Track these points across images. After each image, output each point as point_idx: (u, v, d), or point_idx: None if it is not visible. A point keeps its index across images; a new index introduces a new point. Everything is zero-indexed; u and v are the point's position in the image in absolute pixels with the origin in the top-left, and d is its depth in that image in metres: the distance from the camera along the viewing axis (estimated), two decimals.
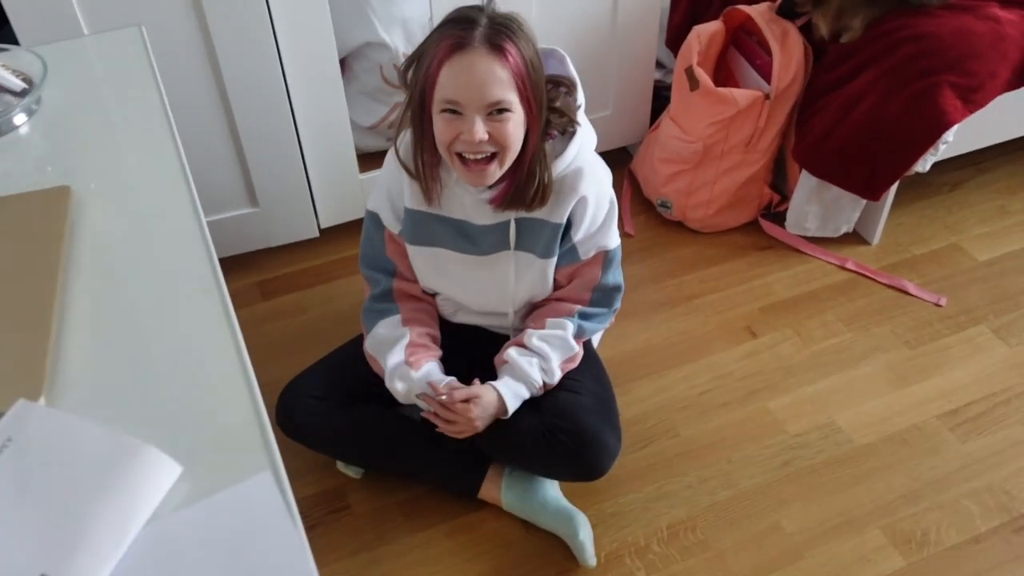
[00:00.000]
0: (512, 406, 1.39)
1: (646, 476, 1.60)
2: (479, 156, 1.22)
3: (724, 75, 2.07)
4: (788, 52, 1.89)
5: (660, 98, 2.20)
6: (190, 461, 0.70)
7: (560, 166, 1.30)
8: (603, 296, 1.43)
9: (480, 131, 1.17)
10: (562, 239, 1.36)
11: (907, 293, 1.93)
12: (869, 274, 1.97)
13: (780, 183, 2.09)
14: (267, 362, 1.78)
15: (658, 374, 1.78)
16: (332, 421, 1.49)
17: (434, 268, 1.43)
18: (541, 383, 1.40)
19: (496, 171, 1.24)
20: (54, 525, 0.64)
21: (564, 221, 1.34)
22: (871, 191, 1.89)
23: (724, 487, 1.58)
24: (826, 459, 1.62)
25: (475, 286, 1.44)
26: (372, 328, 1.45)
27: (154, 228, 0.93)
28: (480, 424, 1.38)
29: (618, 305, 1.47)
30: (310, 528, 1.54)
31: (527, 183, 1.27)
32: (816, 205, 1.98)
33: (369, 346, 1.46)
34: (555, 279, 1.42)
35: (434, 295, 1.51)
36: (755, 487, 1.58)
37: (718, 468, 1.61)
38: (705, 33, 1.98)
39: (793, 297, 1.93)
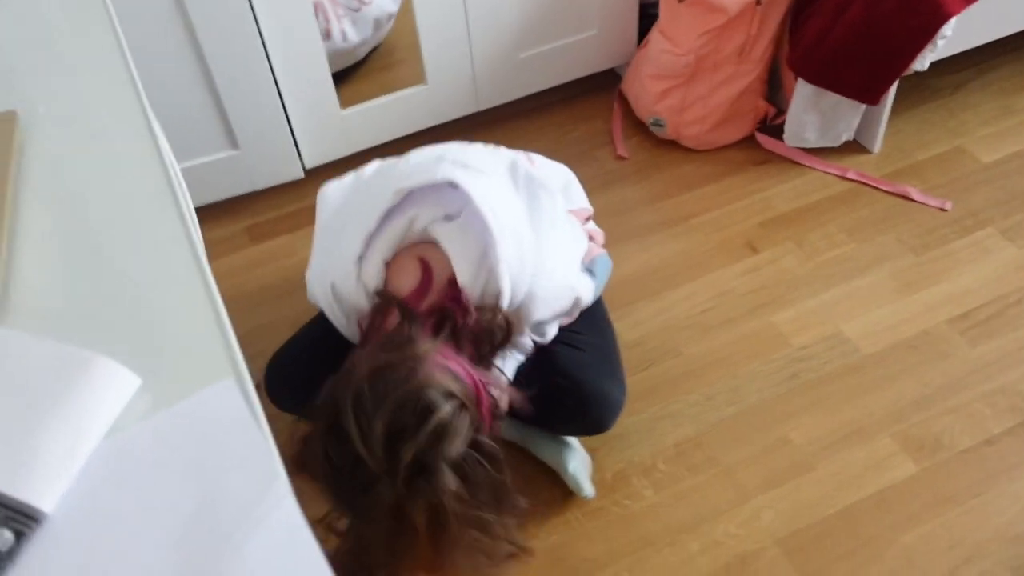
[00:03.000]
0: None
1: (650, 397, 1.57)
2: None
3: None
4: None
5: (647, 16, 2.12)
6: (150, 373, 0.67)
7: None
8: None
9: None
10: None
11: (911, 200, 1.87)
12: (871, 183, 1.91)
13: (776, 96, 2.03)
14: (261, 305, 1.76)
15: (658, 295, 1.73)
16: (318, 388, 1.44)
17: None
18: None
19: None
20: (5, 442, 0.61)
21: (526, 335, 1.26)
22: (869, 95, 1.82)
23: (730, 403, 1.55)
24: (833, 370, 1.58)
25: None
26: None
27: (107, 147, 0.89)
28: None
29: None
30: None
31: None
32: (814, 114, 1.91)
33: None
34: None
35: None
36: (762, 402, 1.54)
37: (723, 385, 1.57)
38: None
39: (794, 210, 1.88)
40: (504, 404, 1.11)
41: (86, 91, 0.97)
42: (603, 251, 1.46)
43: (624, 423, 1.52)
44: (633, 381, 1.58)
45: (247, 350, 1.64)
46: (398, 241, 1.17)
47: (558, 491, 1.44)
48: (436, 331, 1.08)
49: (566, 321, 1.38)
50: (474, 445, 1.00)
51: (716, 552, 1.36)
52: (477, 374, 1.05)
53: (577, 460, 1.43)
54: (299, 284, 1.75)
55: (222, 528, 0.58)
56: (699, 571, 1.34)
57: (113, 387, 0.64)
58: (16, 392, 0.63)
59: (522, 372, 1.33)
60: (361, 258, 1.16)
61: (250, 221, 1.96)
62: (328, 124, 1.91)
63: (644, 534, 1.39)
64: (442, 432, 0.96)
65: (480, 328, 1.11)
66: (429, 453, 0.95)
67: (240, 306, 1.75)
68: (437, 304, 1.13)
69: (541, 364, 1.34)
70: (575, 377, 1.33)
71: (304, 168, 1.96)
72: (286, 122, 1.86)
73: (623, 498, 1.43)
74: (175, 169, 1.30)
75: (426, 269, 1.15)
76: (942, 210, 1.84)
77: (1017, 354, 1.58)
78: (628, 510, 1.42)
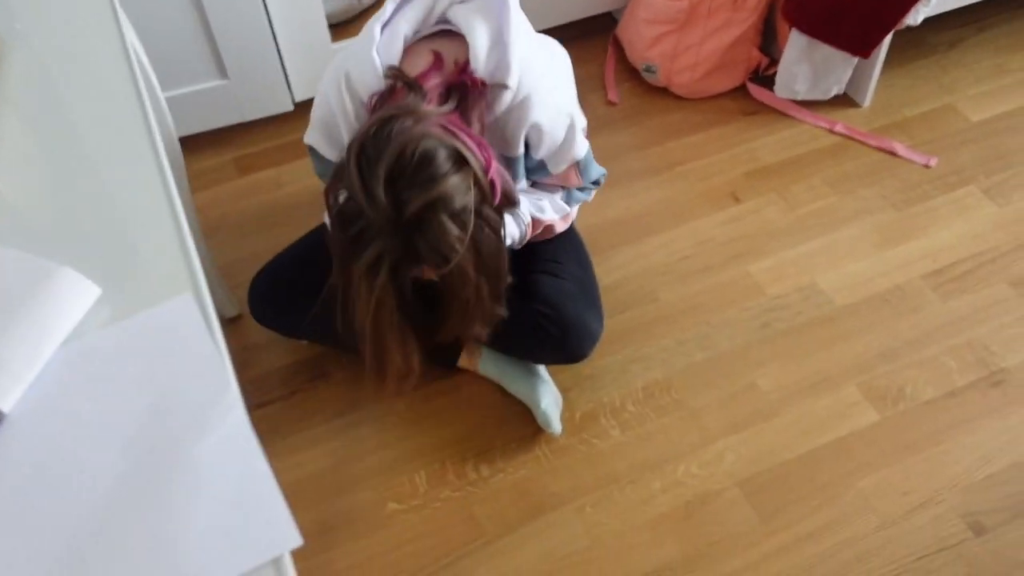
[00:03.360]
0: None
1: (623, 340, 1.59)
2: None
3: None
4: None
5: None
6: (111, 285, 0.69)
7: (502, 106, 1.18)
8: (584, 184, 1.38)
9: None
10: (526, 158, 1.28)
11: (896, 155, 1.87)
12: (858, 137, 1.91)
13: (769, 46, 2.02)
14: (246, 236, 1.77)
15: (638, 241, 1.75)
16: (305, 309, 1.47)
17: None
18: (528, 216, 1.33)
19: None
20: None
21: (521, 151, 1.25)
22: (862, 47, 1.81)
23: (701, 349, 1.57)
24: (806, 320, 1.61)
25: None
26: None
27: (83, 68, 0.89)
28: None
29: (602, 182, 1.43)
30: (289, 396, 1.56)
31: None
32: (806, 65, 1.91)
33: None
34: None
35: None
36: (733, 349, 1.57)
37: (696, 331, 1.60)
38: None
39: (779, 162, 1.88)
40: (512, 192, 1.11)
41: (65, 11, 0.97)
42: None
43: (596, 364, 1.56)
44: (608, 324, 1.60)
45: (230, 280, 1.68)
46: (418, 22, 1.18)
47: (528, 429, 1.48)
48: (443, 101, 1.10)
49: (561, 225, 1.37)
50: (479, 213, 1.01)
51: (677, 491, 1.40)
52: (484, 146, 1.05)
53: (549, 397, 1.46)
54: (285, 216, 1.78)
55: (173, 433, 0.61)
56: (660, 508, 1.38)
57: (74, 296, 0.66)
58: None
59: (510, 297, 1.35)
60: (379, 41, 1.17)
61: (238, 152, 1.97)
62: (319, 57, 1.90)
63: (608, 472, 1.43)
64: (443, 182, 0.96)
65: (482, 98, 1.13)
66: (431, 204, 0.96)
67: (225, 236, 1.77)
68: (446, 80, 1.14)
69: (523, 292, 1.38)
70: (557, 306, 1.37)
71: (293, 101, 1.96)
72: (276, 53, 1.86)
73: (591, 436, 1.47)
74: (157, 92, 1.31)
75: (437, 56, 1.16)
76: (926, 167, 1.85)
77: (987, 310, 1.60)
78: (594, 448, 1.46)
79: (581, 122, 1.32)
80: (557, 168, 1.31)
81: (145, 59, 1.32)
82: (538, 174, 1.33)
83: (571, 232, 1.51)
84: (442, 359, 1.53)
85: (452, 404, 1.53)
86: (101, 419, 0.62)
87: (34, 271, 0.67)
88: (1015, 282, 1.64)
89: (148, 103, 0.82)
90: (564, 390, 1.52)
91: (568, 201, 1.40)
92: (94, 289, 0.67)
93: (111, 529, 0.57)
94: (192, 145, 1.91)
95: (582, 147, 1.32)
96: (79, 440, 0.61)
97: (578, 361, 1.43)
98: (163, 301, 0.68)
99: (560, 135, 1.27)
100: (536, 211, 1.34)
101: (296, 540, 0.60)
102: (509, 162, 1.26)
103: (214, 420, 0.62)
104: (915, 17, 1.75)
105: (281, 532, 0.58)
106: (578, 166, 1.33)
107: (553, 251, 1.45)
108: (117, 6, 0.98)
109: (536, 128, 1.22)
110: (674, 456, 1.44)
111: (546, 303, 1.38)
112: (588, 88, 2.05)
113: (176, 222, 0.73)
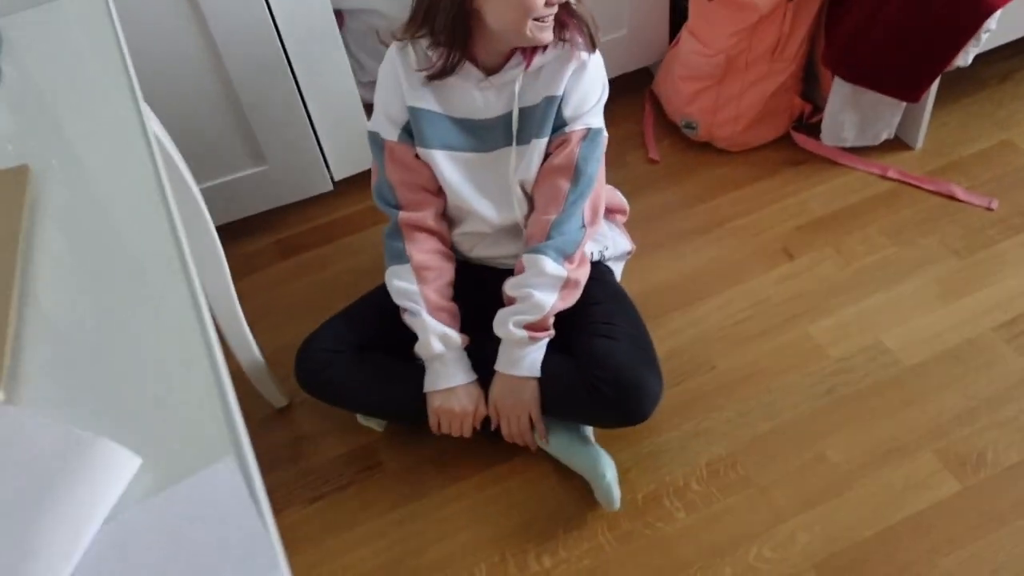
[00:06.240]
0: (526, 369, 1.36)
1: (683, 413, 1.54)
2: (554, 11, 1.24)
3: None
4: None
5: (680, 11, 2.06)
6: (151, 451, 0.66)
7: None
8: (575, 194, 1.35)
9: None
10: (556, 114, 1.34)
11: (955, 199, 1.80)
12: (913, 181, 1.84)
13: (812, 92, 1.96)
14: (290, 322, 1.75)
15: (691, 305, 1.70)
16: (348, 372, 1.46)
17: (439, 172, 1.39)
18: (524, 329, 1.34)
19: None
20: (7, 532, 0.61)
21: (561, 92, 1.32)
22: (911, 92, 1.75)
23: (765, 419, 1.51)
24: (873, 383, 1.53)
25: (478, 183, 1.41)
26: (388, 267, 1.44)
27: (118, 207, 0.89)
28: (521, 409, 1.39)
29: (599, 209, 1.41)
30: (343, 488, 1.53)
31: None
32: (852, 112, 1.85)
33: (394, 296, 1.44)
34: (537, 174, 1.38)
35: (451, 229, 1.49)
36: (798, 417, 1.51)
37: (758, 400, 1.54)
38: None
39: (832, 213, 1.82)
40: None
41: (99, 144, 0.97)
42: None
43: (656, 441, 1.50)
44: (666, 396, 1.55)
45: (280, 369, 1.67)
46: None
47: (589, 512, 1.43)
48: None
49: (573, 293, 1.37)
50: None
51: None
52: None
53: (612, 470, 1.41)
54: (332, 297, 1.76)
55: None
56: None
57: (114, 469, 0.64)
58: (20, 477, 0.64)
59: (562, 361, 1.38)
60: None
61: (280, 235, 1.97)
62: (356, 135, 1.89)
63: (676, 559, 1.37)
64: None
65: None
66: None
67: (272, 322, 1.76)
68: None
69: (579, 357, 1.37)
70: (614, 368, 1.34)
71: (333, 180, 1.96)
72: (313, 136, 1.86)
73: (655, 520, 1.41)
74: (193, 191, 1.31)
75: None
76: (988, 209, 1.77)
77: None
78: (660, 533, 1.40)
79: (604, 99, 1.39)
80: (573, 126, 1.34)
81: (179, 160, 1.32)
82: (555, 133, 1.36)
83: (620, 293, 1.48)
84: (488, 430, 1.49)
85: (507, 491, 1.48)
86: None
87: (72, 444, 0.65)
88: None
89: (187, 252, 0.80)
90: (624, 471, 1.46)
91: (561, 250, 1.35)
92: (134, 460, 0.64)
93: None
94: (233, 231, 1.91)
95: (600, 121, 1.38)
96: None
97: (639, 422, 1.38)
98: (205, 464, 0.65)
99: (592, 96, 1.35)
100: (530, 315, 1.35)
101: None
102: (549, 104, 1.32)
103: None
104: (965, 59, 1.68)
105: None
106: (588, 133, 1.35)
107: (604, 313, 1.42)
108: (150, 136, 0.97)
109: (582, 68, 1.32)
110: (745, 538, 1.37)
111: (600, 365, 1.35)
112: (628, 147, 2.02)
113: (217, 377, 0.70)
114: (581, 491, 1.45)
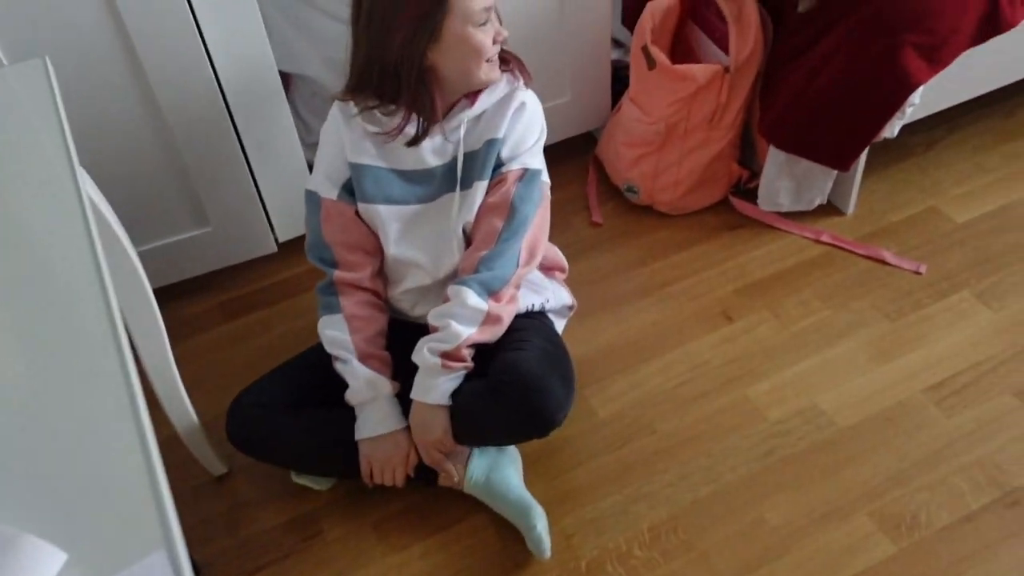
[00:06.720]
0: (437, 398, 1.37)
1: (624, 477, 1.55)
2: (499, 48, 1.34)
3: (684, 50, 2.00)
4: (744, 22, 1.81)
5: (621, 79, 2.12)
6: (78, 545, 0.65)
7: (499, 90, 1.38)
8: (509, 232, 1.37)
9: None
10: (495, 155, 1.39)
11: (886, 263, 1.86)
12: (845, 246, 1.91)
13: (749, 158, 2.03)
14: (231, 386, 1.72)
15: (632, 368, 1.72)
16: (281, 425, 1.46)
17: (381, 225, 1.42)
18: (438, 357, 1.35)
19: None
20: None
21: (502, 135, 1.37)
22: (841, 162, 1.82)
23: (705, 483, 1.53)
24: (809, 445, 1.57)
25: (420, 232, 1.43)
26: (321, 317, 1.46)
27: (48, 274, 0.87)
28: (431, 436, 1.40)
29: (535, 252, 1.43)
30: (283, 558, 1.50)
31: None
32: (787, 179, 1.91)
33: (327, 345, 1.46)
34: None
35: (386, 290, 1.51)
36: (738, 480, 1.53)
37: (698, 463, 1.56)
38: (659, 9, 1.91)
39: (768, 276, 1.87)
40: None
41: (35, 212, 0.96)
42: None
43: (599, 507, 1.51)
44: (608, 461, 1.57)
45: (218, 434, 1.64)
46: None
47: (530, 569, 1.42)
48: None
49: (494, 329, 1.38)
50: None
51: None
52: None
53: (543, 520, 1.42)
54: (272, 362, 1.74)
55: None
56: None
57: (38, 567, 0.62)
58: None
59: (473, 389, 1.38)
60: None
61: (223, 296, 1.95)
62: (300, 198, 1.89)
63: None
64: None
65: None
66: None
67: (211, 387, 1.73)
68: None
69: (490, 371, 1.37)
70: (517, 370, 1.35)
71: (277, 242, 1.95)
72: (258, 198, 1.86)
73: None
74: (144, 289, 1.31)
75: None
76: (917, 273, 1.84)
77: (993, 424, 1.57)
78: None
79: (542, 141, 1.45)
80: (510, 166, 1.38)
81: (115, 223, 1.30)
82: (493, 176, 1.40)
83: (545, 321, 1.51)
84: (424, 474, 1.48)
85: (450, 560, 1.47)
86: None
87: None
88: (1019, 392, 1.61)
89: (121, 333, 0.79)
90: (567, 536, 1.47)
91: (487, 286, 1.37)
92: (59, 555, 0.63)
93: None
94: (174, 291, 1.89)
95: (539, 162, 1.42)
96: None
97: (547, 428, 1.38)
98: (136, 559, 0.64)
99: (530, 138, 1.40)
100: (445, 343, 1.36)
101: None
102: (491, 144, 1.37)
103: None
104: (892, 130, 1.76)
105: None
106: (526, 173, 1.39)
107: (519, 333, 1.43)
108: (87, 204, 0.96)
109: (521, 109, 1.38)
110: None
111: (505, 371, 1.36)
112: (572, 210, 2.06)
113: (148, 464, 0.69)
114: (528, 557, 1.44)
